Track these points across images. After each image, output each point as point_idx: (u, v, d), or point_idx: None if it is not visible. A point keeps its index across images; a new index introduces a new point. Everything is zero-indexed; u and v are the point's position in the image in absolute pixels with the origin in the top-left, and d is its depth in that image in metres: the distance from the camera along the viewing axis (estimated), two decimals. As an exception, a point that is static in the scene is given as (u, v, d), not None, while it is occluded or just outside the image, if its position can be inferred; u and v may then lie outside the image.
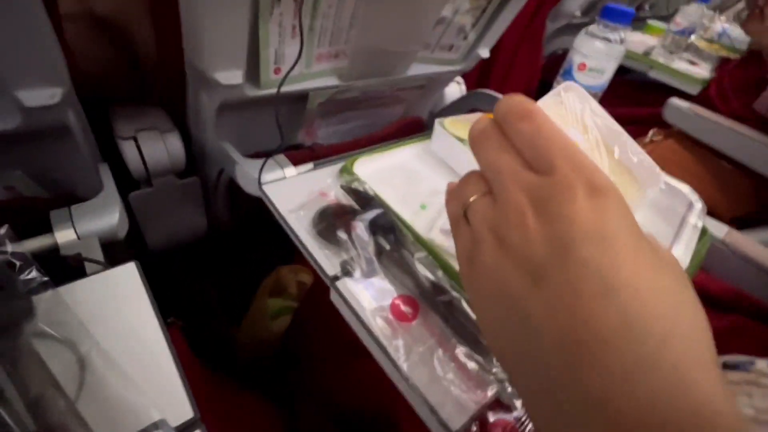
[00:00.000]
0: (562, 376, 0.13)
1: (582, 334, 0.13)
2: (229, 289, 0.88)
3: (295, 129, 0.65)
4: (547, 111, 0.18)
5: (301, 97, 0.57)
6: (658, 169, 0.21)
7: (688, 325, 0.13)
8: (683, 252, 0.35)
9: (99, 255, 0.32)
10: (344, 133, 0.74)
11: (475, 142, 0.18)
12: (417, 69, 0.65)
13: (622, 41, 0.52)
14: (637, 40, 1.15)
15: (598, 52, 0.52)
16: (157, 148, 0.53)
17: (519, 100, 0.18)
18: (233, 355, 0.73)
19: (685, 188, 0.46)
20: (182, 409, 0.23)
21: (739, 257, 0.49)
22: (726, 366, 0.37)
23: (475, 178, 0.19)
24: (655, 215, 0.42)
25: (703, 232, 0.43)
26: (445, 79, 0.74)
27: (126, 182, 0.57)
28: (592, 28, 0.53)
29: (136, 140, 0.52)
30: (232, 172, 0.48)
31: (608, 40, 0.52)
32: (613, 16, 0.51)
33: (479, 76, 1.09)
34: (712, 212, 0.90)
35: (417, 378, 0.27)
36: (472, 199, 0.18)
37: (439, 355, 0.28)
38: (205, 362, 0.50)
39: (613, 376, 0.12)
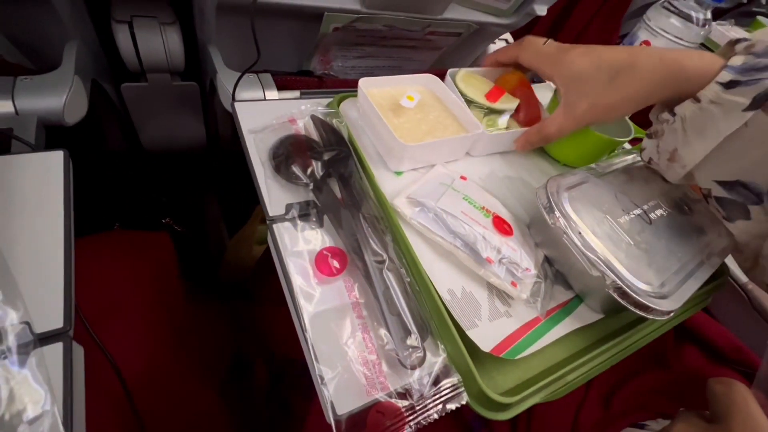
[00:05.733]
0: None
1: None
2: (233, 206, 0.88)
3: (308, 54, 0.59)
4: None
5: (317, 16, 0.51)
6: None
7: None
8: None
9: (33, 135, 0.29)
10: (364, 71, 0.67)
11: None
12: (456, 12, 0.56)
13: (705, 24, 0.43)
14: (733, 37, 0.97)
15: (671, 30, 0.43)
16: (152, 39, 0.49)
17: None
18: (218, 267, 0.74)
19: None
20: (53, 318, 0.22)
21: (756, 308, 0.42)
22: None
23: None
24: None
25: (721, 272, 0.36)
26: (489, 32, 0.65)
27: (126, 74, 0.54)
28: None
29: (131, 26, 0.48)
30: (215, 82, 0.43)
31: (689, 17, 0.42)
32: (704, -13, 0.40)
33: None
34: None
35: (317, 339, 0.24)
36: None
37: (349, 324, 0.25)
38: (189, 269, 0.48)
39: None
